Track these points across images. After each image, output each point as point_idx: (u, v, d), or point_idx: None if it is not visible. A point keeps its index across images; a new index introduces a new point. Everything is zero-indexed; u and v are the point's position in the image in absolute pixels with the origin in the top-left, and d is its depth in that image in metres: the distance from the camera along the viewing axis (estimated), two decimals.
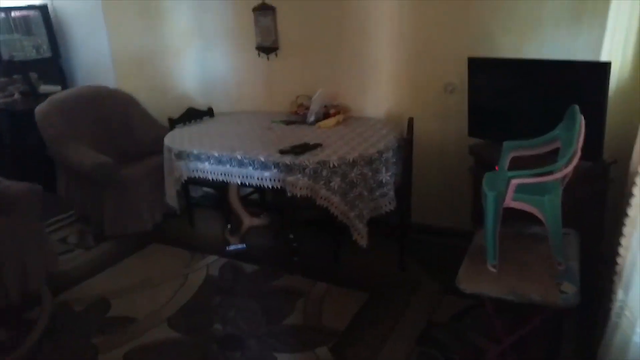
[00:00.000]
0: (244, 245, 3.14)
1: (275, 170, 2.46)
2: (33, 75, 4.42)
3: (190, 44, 3.69)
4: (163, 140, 3.00)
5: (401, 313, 2.42)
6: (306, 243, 3.08)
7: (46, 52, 4.24)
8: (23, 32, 4.34)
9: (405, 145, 2.58)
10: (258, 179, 2.52)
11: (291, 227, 2.96)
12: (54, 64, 4.28)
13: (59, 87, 4.39)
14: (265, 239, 3.27)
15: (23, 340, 2.38)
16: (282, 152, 2.51)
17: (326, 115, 3.10)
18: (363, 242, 2.43)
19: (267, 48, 3.37)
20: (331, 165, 2.35)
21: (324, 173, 2.36)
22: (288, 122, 3.13)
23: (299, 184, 2.40)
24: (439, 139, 2.96)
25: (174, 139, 2.97)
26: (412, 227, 3.04)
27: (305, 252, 2.99)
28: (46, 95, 4.33)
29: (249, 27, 3.38)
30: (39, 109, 3.54)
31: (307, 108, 3.22)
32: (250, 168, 2.52)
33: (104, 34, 4.00)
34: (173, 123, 3.29)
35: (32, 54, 4.21)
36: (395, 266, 2.80)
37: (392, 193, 2.52)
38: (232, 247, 3.13)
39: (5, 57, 4.12)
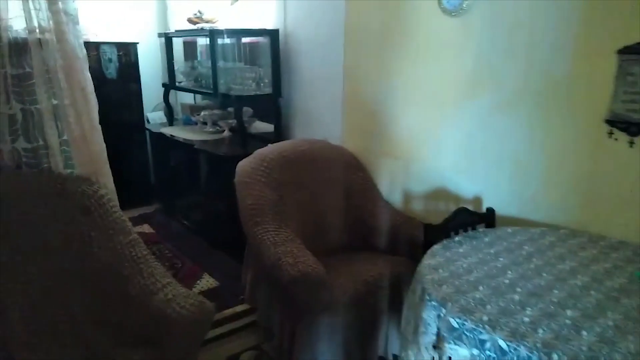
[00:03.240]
0: None
1: None
2: (247, 111, 3.65)
3: (468, 97, 2.30)
4: (392, 234, 1.76)
5: None
6: None
7: (266, 87, 3.38)
8: (247, 61, 3.59)
9: None
10: None
11: None
12: (272, 101, 3.41)
13: (271, 126, 3.54)
14: None
15: None
16: None
17: None
18: None
19: (634, 124, 1.77)
20: None
21: None
22: None
23: None
24: None
25: (437, 277, 1.56)
26: None
27: None
28: (257, 136, 3.53)
29: (597, 83, 1.84)
30: (241, 166, 2.58)
31: None
32: None
33: (339, 67, 2.94)
34: (429, 233, 1.90)
35: (251, 89, 3.39)
36: None
37: None
38: None
39: (222, 89, 3.38)
